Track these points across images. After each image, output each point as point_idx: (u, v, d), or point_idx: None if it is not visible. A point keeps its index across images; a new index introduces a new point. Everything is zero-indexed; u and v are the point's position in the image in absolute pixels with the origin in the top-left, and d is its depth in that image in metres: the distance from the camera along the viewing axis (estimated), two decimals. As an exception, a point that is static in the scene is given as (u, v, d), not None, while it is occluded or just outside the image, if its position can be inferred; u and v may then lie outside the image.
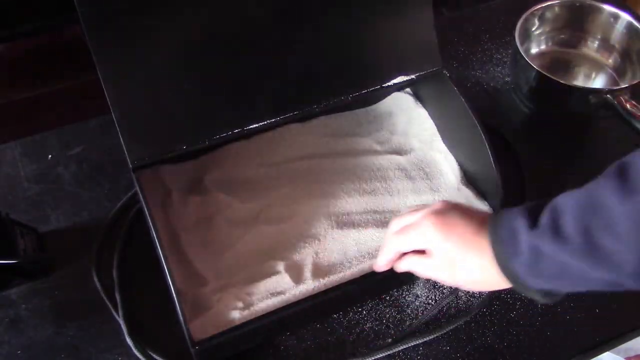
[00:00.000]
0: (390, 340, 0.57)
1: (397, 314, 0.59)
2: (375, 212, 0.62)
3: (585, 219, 0.40)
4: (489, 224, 0.46)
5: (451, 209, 0.49)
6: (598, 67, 0.78)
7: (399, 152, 0.68)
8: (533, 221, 0.43)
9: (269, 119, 0.59)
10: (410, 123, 0.70)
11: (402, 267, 0.53)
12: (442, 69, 0.64)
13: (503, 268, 0.45)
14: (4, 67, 0.82)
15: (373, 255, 0.58)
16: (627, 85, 0.68)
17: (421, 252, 0.50)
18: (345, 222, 0.61)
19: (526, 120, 0.75)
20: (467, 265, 0.48)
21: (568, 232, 0.41)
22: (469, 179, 0.64)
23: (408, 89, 0.72)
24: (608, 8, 0.75)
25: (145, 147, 0.56)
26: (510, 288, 0.46)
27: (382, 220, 0.61)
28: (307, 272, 0.57)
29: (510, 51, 0.81)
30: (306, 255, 0.58)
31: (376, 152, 0.67)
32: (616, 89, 0.67)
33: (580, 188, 0.42)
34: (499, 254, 0.45)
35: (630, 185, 0.38)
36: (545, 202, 0.44)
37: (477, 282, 0.49)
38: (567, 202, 0.42)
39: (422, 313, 0.59)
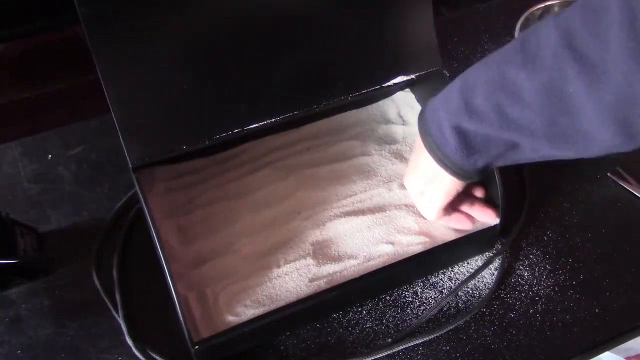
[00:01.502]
0: (390, 340, 0.57)
1: (397, 314, 0.59)
2: (374, 212, 0.62)
3: (496, 95, 0.44)
4: (419, 126, 0.52)
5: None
6: (598, 67, 0.78)
7: (398, 152, 0.68)
8: (449, 104, 0.48)
9: (269, 119, 0.59)
10: (410, 123, 0.70)
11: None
12: (442, 69, 0.64)
13: (439, 160, 0.50)
14: (4, 67, 0.82)
15: (373, 257, 0.58)
16: (627, 85, 0.68)
17: None
18: (344, 223, 0.61)
19: (526, 120, 0.75)
20: (420, 176, 0.55)
21: (482, 109, 0.45)
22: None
23: (408, 89, 0.72)
24: (608, 8, 0.75)
25: (145, 147, 0.56)
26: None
27: (381, 220, 0.61)
28: (307, 273, 0.57)
29: (510, 51, 0.81)
30: (306, 255, 0.58)
31: (376, 153, 0.67)
32: (616, 89, 0.67)
33: (486, 60, 0.46)
34: (432, 147, 0.50)
35: (532, 59, 0.42)
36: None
37: (432, 186, 0.54)
38: (477, 79, 0.46)
39: (422, 313, 0.59)
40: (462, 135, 0.48)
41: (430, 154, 0.51)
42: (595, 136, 0.41)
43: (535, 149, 0.45)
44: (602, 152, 0.43)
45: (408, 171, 0.59)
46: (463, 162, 0.50)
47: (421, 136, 0.52)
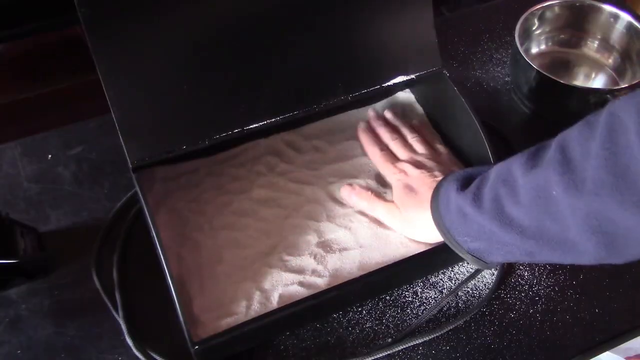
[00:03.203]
0: (390, 340, 0.57)
1: (397, 313, 0.59)
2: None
3: (497, 187, 0.46)
4: (437, 186, 0.54)
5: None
6: (598, 67, 0.78)
7: (399, 152, 0.68)
8: (464, 185, 0.50)
9: (269, 119, 0.59)
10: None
11: (359, 197, 0.61)
12: (442, 69, 0.64)
13: (437, 223, 0.52)
14: (4, 67, 0.82)
15: (374, 256, 0.58)
16: (627, 85, 0.68)
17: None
18: (345, 223, 0.61)
19: (526, 120, 0.75)
20: (415, 219, 0.56)
21: (484, 197, 0.47)
22: (469, 179, 0.64)
23: (408, 89, 0.72)
24: (608, 8, 0.75)
25: (145, 147, 0.56)
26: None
27: (381, 221, 0.61)
28: (307, 273, 0.57)
29: (510, 51, 0.81)
30: (306, 255, 0.58)
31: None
32: (616, 89, 0.67)
33: (507, 159, 0.48)
34: (435, 209, 0.52)
35: (534, 161, 0.44)
36: (484, 170, 0.51)
37: (420, 234, 0.57)
38: (492, 172, 0.49)
39: (422, 313, 0.59)
40: (462, 216, 0.49)
41: (433, 216, 0.53)
42: (580, 247, 0.42)
43: (526, 251, 0.46)
44: (594, 262, 0.43)
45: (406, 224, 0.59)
46: (456, 235, 0.51)
47: (432, 197, 0.54)
